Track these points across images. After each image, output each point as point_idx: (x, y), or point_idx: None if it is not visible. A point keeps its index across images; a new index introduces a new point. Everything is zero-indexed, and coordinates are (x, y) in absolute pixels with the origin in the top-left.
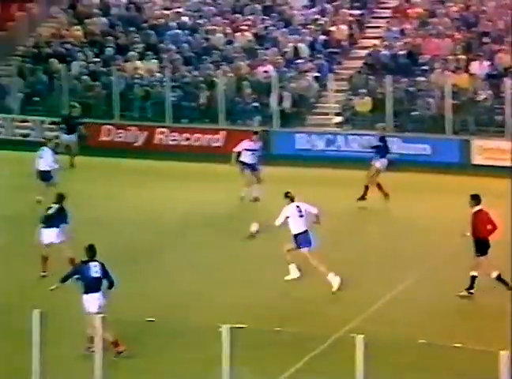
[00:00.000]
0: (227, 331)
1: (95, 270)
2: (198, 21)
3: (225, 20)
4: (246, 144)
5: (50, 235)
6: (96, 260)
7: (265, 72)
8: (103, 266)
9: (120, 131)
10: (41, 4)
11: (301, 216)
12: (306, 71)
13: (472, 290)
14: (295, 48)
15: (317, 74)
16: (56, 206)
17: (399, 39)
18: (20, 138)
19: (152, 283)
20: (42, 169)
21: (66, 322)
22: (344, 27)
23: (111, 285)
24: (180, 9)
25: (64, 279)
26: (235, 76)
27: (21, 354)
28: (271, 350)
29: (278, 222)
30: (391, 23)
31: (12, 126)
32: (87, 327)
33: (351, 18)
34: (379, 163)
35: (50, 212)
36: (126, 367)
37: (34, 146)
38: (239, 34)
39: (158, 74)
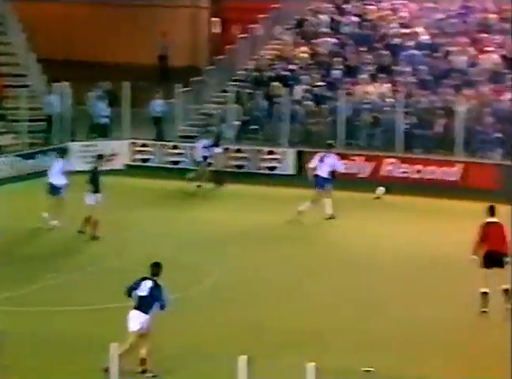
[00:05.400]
0: None
1: (145, 289)
2: (438, 41)
3: (469, 40)
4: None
5: None
6: (151, 279)
7: None
8: (155, 286)
9: (344, 161)
10: (265, 24)
11: None
12: None
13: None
14: None
15: None
16: None
17: None
18: (235, 170)
19: None
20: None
21: None
22: None
23: (161, 307)
24: (419, 28)
25: (127, 293)
26: (477, 102)
27: None
28: None
29: None
30: None
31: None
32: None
33: None
34: None
35: None
36: None
37: (248, 177)
38: (484, 55)
39: (390, 99)
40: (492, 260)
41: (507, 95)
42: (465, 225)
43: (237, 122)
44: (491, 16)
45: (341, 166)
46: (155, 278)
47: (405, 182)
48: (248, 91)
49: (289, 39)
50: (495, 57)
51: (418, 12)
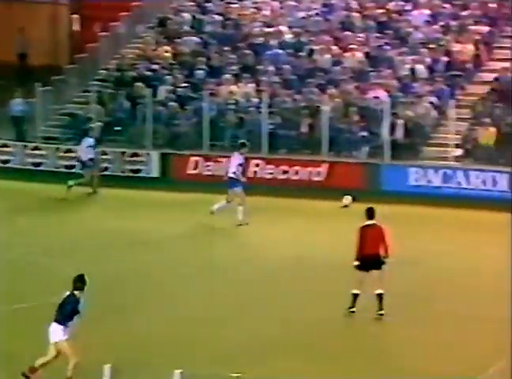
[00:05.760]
0: None
1: (62, 299)
2: (302, 39)
3: (333, 39)
4: None
5: None
6: (70, 292)
7: (376, 97)
8: (69, 298)
9: (209, 163)
10: (126, 22)
11: None
12: (423, 96)
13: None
14: (412, 70)
15: (435, 100)
16: None
17: None
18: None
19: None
20: None
21: None
22: (469, 46)
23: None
24: (282, 27)
25: None
26: (342, 101)
27: None
28: None
29: None
30: None
31: None
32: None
33: (477, 37)
34: None
35: None
36: None
37: (112, 180)
38: (348, 54)
39: (254, 99)
40: (368, 263)
41: (372, 93)
42: (332, 225)
43: (99, 123)
44: (354, 14)
45: (234, 168)
46: (76, 292)
47: (271, 184)
48: (110, 91)
49: (151, 38)
50: (359, 55)
51: (281, 10)
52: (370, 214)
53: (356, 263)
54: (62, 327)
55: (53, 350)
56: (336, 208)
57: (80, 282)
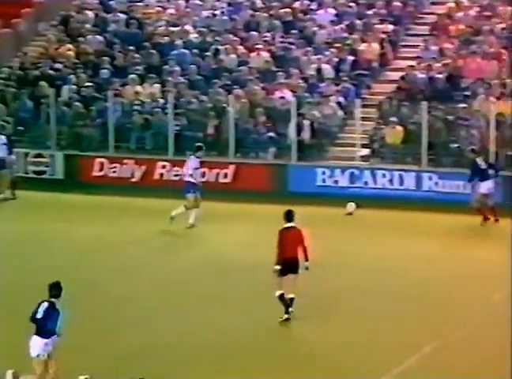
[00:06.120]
0: None
1: (40, 310)
2: (207, 39)
3: (238, 38)
4: None
5: None
6: (48, 301)
7: (283, 97)
8: (50, 308)
9: (115, 165)
10: (28, 20)
11: None
12: (329, 96)
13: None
14: (318, 70)
15: (342, 100)
16: None
17: (437, 60)
18: None
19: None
20: None
21: None
22: (374, 45)
23: (52, 331)
24: (187, 26)
25: (31, 320)
26: (248, 102)
27: None
28: None
29: None
30: (429, 41)
31: None
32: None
33: (383, 35)
34: None
35: None
36: None
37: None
38: (253, 54)
39: (160, 100)
40: (286, 267)
41: (278, 94)
42: (240, 227)
43: (1, 123)
44: (259, 13)
45: (191, 172)
46: (54, 300)
47: (178, 186)
48: (13, 90)
49: (54, 37)
50: (265, 55)
51: (186, 9)
52: (288, 217)
53: (278, 267)
54: (45, 340)
55: (51, 365)
56: (243, 209)
57: (56, 289)
